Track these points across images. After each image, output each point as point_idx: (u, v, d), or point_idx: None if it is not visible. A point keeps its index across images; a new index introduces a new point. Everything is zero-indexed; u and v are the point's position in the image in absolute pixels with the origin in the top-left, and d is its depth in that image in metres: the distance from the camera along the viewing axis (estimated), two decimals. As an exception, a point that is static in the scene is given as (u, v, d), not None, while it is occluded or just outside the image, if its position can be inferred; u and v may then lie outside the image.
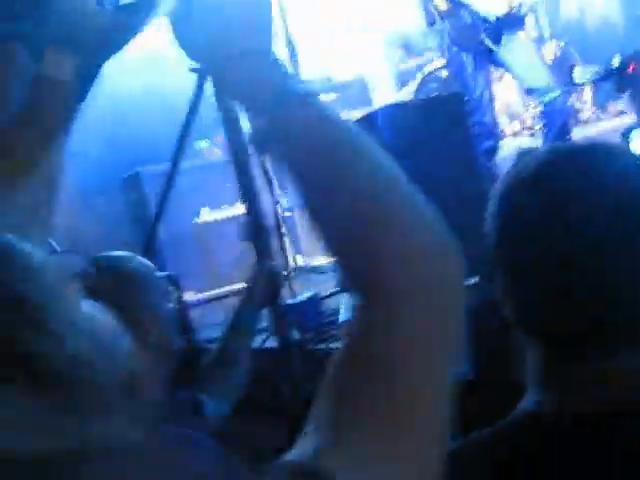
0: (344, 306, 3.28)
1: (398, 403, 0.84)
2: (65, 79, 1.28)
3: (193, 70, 1.14)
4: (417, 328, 0.86)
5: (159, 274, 1.70)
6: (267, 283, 2.40)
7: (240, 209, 4.59)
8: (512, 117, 6.24)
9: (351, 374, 0.85)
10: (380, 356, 0.85)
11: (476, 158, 3.66)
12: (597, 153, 1.15)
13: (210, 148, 5.94)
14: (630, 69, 2.77)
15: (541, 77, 4.82)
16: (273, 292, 2.53)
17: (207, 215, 5.37)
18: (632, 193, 1.11)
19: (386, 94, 6.41)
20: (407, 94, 6.29)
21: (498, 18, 4.81)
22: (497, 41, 4.85)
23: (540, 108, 5.00)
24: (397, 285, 0.87)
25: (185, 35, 0.98)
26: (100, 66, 1.31)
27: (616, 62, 2.84)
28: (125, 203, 5.47)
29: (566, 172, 1.12)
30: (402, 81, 6.62)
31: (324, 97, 6.04)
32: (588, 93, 6.59)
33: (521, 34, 5.00)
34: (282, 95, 0.93)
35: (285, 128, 0.93)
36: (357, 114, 6.22)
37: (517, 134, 6.16)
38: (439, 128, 3.29)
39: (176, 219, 4.82)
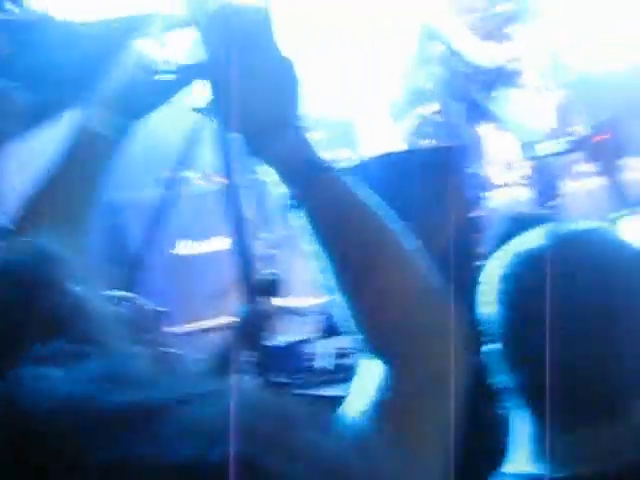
0: (321, 352, 3.27)
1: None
2: (107, 134, 1.43)
3: (196, 110, 1.21)
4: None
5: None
6: (251, 325, 2.34)
7: (222, 243, 4.50)
8: (504, 167, 6.21)
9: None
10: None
11: (467, 210, 3.62)
12: (593, 242, 1.26)
13: (194, 178, 5.86)
14: (597, 140, 2.72)
15: (535, 131, 4.80)
16: (256, 334, 2.47)
17: (186, 248, 5.27)
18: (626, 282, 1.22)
19: (379, 133, 6.36)
20: (400, 136, 6.24)
21: (494, 69, 4.79)
22: (491, 92, 4.83)
23: (532, 162, 4.98)
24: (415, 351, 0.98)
25: (222, 106, 1.09)
26: (134, 124, 1.47)
27: (582, 133, 2.80)
28: (102, 232, 5.37)
29: (572, 263, 1.23)
30: (395, 116, 6.56)
31: (312, 135, 6.01)
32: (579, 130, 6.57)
33: (519, 85, 5.00)
34: (314, 164, 1.06)
35: (319, 194, 1.05)
36: (347, 154, 6.22)
37: (509, 185, 6.12)
38: (431, 181, 3.27)
39: (154, 250, 4.72)
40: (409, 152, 4.68)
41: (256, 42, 1.08)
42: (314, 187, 1.06)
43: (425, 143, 5.75)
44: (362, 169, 3.40)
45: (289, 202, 1.07)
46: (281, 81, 1.09)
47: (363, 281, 1.02)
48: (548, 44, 5.13)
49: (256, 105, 1.07)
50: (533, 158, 4.82)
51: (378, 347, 0.99)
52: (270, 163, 1.10)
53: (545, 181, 4.78)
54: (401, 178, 3.25)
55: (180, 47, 1.36)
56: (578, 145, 2.72)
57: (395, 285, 1.01)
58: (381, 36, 6.12)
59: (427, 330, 0.98)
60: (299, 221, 1.08)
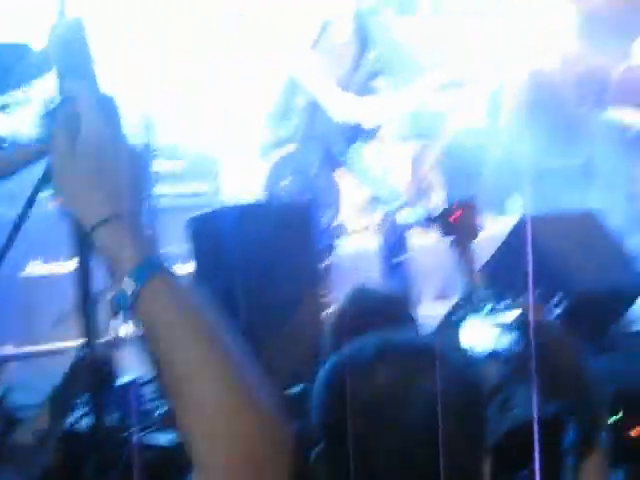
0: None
1: None
2: None
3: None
4: None
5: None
6: (93, 365, 2.32)
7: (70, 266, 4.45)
8: (357, 215, 6.35)
9: None
10: None
11: (316, 260, 3.70)
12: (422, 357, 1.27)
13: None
14: (453, 218, 2.85)
15: (390, 187, 4.98)
16: (99, 375, 2.45)
17: (35, 268, 5.17)
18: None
19: (238, 171, 6.41)
20: (258, 179, 6.32)
21: (352, 125, 4.93)
22: (348, 146, 4.97)
23: (384, 217, 5.13)
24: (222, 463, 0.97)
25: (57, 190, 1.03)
26: None
27: (440, 207, 2.93)
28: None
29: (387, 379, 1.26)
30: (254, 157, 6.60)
31: (171, 165, 6.02)
32: (436, 198, 6.80)
33: (379, 140, 5.17)
34: (144, 266, 0.99)
35: (146, 307, 0.98)
36: (204, 187, 6.24)
37: (359, 232, 6.27)
38: (283, 232, 3.31)
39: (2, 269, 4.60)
40: (264, 205, 4.74)
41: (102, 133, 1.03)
42: (143, 291, 0.99)
43: (282, 187, 5.86)
44: (216, 218, 3.42)
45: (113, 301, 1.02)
46: (120, 172, 1.03)
47: (178, 391, 0.98)
48: (411, 101, 5.31)
49: (86, 195, 1.02)
50: (386, 214, 5.01)
51: (187, 451, 0.98)
52: (100, 255, 1.04)
53: (394, 237, 4.95)
54: (256, 230, 3.27)
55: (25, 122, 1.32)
56: (434, 217, 2.84)
57: (208, 400, 0.97)
58: (249, 78, 6.22)
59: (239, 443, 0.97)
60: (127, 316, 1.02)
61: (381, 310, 2.23)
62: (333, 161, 5.00)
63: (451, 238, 2.87)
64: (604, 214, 4.50)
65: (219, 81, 6.34)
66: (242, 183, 6.09)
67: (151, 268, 1.00)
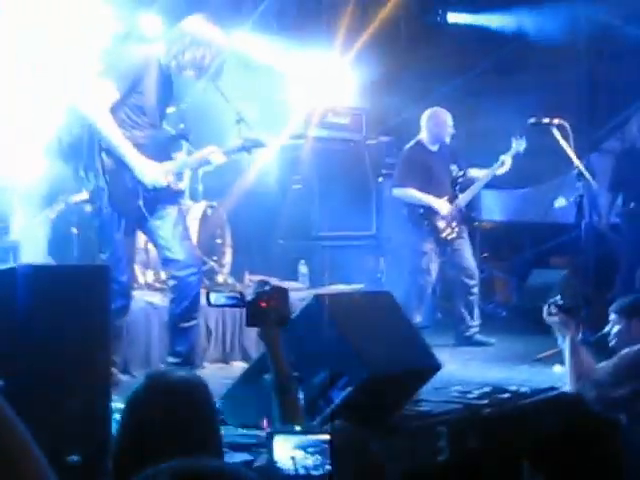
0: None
1: None
2: None
3: None
4: None
5: None
6: None
7: None
8: (148, 267, 6.22)
9: None
10: None
11: (107, 322, 3.55)
12: None
13: None
14: (262, 304, 2.81)
15: (184, 252, 4.92)
16: None
17: None
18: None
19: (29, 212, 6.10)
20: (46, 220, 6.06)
21: (157, 188, 4.82)
22: (153, 211, 4.86)
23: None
24: None
25: None
26: None
27: (247, 294, 2.89)
28: None
29: None
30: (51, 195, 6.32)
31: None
32: (228, 257, 6.78)
33: (181, 204, 5.13)
34: None
35: None
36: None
37: (150, 287, 6.14)
38: (75, 294, 3.20)
39: None
40: (56, 268, 4.51)
41: None
42: None
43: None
44: (9, 274, 3.22)
45: None
46: None
47: None
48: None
49: None
50: (176, 277, 4.98)
51: None
52: None
53: (184, 298, 4.90)
54: (44, 290, 3.15)
55: None
56: (245, 302, 2.78)
57: None
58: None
59: None
60: None
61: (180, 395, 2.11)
62: (136, 221, 4.88)
63: (260, 323, 2.80)
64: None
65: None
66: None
67: None
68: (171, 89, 5.06)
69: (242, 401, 3.92)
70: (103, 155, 4.73)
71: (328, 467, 2.17)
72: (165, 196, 4.92)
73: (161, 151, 4.89)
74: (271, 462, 2.21)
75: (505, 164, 7.04)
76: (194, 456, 1.36)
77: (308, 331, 3.86)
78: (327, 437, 2.19)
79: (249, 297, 2.80)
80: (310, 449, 2.19)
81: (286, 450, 2.20)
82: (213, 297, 2.95)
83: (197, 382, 2.16)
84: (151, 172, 4.79)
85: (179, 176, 5.07)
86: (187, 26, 4.85)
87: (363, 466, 2.11)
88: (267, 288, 2.80)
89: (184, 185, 5.16)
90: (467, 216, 7.24)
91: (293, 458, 2.19)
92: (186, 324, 4.95)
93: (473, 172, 7.23)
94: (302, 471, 2.18)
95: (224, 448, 2.24)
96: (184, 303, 4.92)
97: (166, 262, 5.05)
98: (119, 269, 4.79)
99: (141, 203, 4.77)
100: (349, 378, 3.74)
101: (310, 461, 2.18)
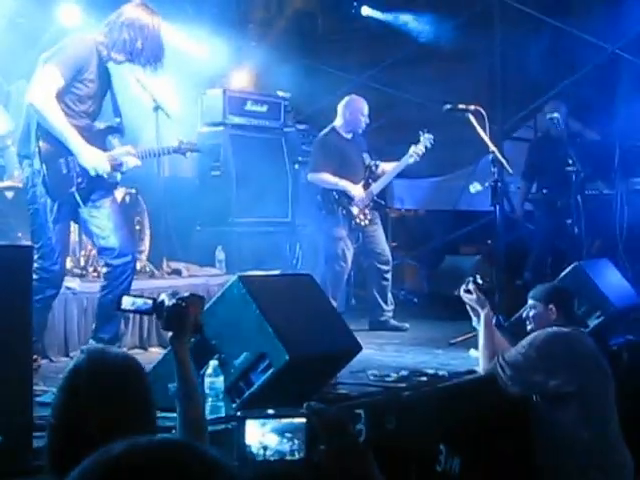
0: None
1: None
2: None
3: None
4: None
5: None
6: None
7: None
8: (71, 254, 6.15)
9: None
10: None
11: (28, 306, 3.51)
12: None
13: None
14: (181, 309, 2.80)
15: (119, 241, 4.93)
16: None
17: None
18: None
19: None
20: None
21: (94, 176, 4.83)
22: (87, 200, 4.85)
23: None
24: None
25: None
26: None
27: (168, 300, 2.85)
28: None
29: None
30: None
31: None
32: (147, 244, 6.79)
33: (112, 195, 5.12)
34: None
35: None
36: None
37: (69, 272, 6.06)
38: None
39: None
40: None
41: None
42: None
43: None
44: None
45: None
46: None
47: None
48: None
49: None
50: (109, 264, 4.97)
51: None
52: None
53: (116, 287, 4.93)
54: None
55: None
56: (159, 308, 2.79)
57: None
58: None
59: None
60: None
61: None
62: (70, 208, 4.88)
63: (176, 328, 2.78)
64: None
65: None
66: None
67: None
68: (109, 80, 5.04)
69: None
70: (40, 141, 4.69)
71: (303, 452, 2.12)
72: (100, 186, 4.90)
73: (96, 142, 4.87)
74: (242, 447, 2.15)
75: (414, 156, 7.11)
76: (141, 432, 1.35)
77: (230, 312, 3.88)
78: (303, 420, 2.13)
79: (169, 301, 2.76)
80: (285, 433, 2.13)
81: (258, 435, 2.14)
82: (125, 301, 2.86)
83: (132, 358, 2.18)
84: (94, 158, 4.78)
85: (118, 167, 5.03)
86: (124, 10, 4.87)
87: (342, 450, 2.02)
88: (186, 294, 2.80)
89: (119, 176, 5.11)
90: (379, 204, 7.37)
91: (264, 443, 2.14)
92: (115, 312, 4.91)
93: (384, 165, 7.35)
94: (276, 456, 2.13)
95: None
96: (116, 291, 4.87)
97: (101, 250, 5.02)
98: (52, 258, 4.76)
99: (74, 190, 4.75)
100: (270, 360, 3.78)
101: (285, 446, 2.12)
